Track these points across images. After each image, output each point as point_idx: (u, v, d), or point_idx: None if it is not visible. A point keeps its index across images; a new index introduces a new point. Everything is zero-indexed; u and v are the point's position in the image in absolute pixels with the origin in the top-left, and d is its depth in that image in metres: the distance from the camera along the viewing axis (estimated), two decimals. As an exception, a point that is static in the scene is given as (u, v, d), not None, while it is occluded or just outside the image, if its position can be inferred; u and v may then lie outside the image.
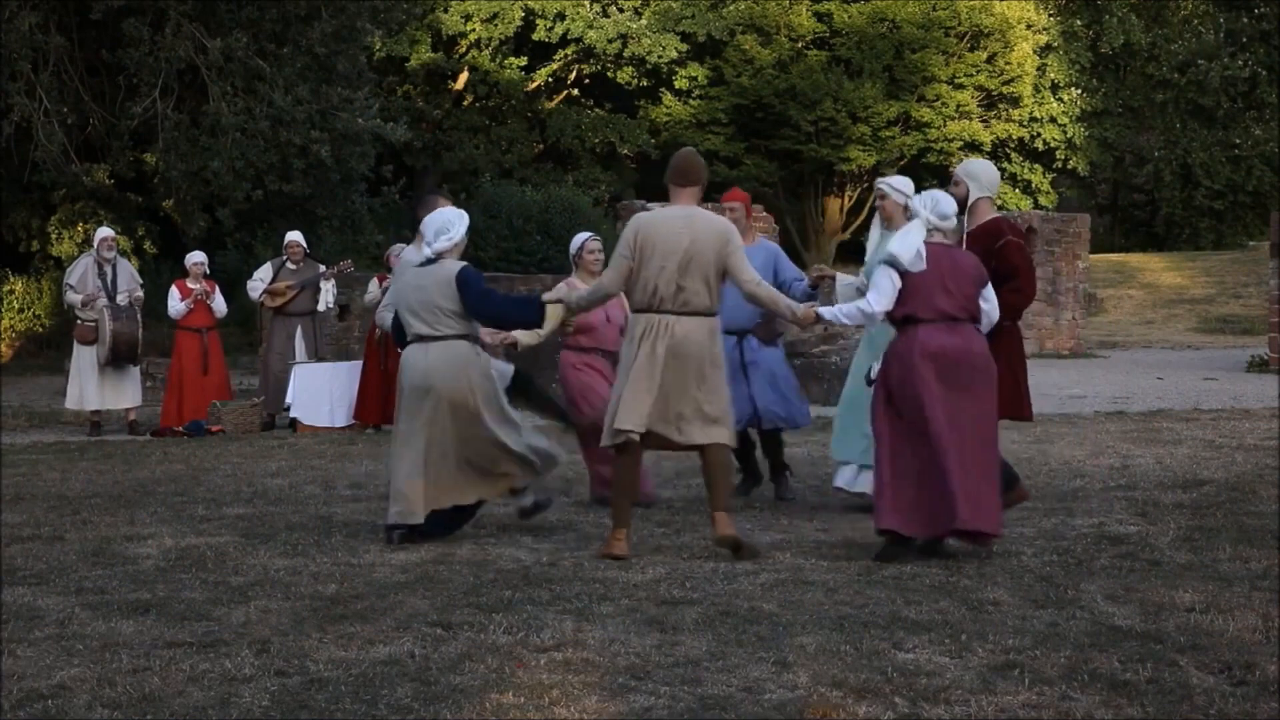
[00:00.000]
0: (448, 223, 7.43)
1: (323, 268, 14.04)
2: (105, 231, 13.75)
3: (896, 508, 6.65)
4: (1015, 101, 40.51)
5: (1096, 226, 35.12)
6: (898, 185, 8.21)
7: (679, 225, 6.86)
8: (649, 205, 23.04)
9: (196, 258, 13.87)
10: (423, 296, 7.28)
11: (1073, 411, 13.80)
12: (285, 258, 13.95)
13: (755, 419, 8.54)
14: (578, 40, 35.68)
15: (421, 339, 7.29)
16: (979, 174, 7.72)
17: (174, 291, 13.70)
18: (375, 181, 25.84)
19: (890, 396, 6.81)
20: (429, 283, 7.29)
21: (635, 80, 37.52)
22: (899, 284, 6.78)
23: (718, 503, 6.85)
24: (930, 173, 42.34)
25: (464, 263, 7.40)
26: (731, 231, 6.99)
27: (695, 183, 7.07)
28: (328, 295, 13.89)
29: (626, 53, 36.15)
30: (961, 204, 7.40)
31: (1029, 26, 40.36)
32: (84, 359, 13.23)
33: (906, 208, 7.94)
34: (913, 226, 6.94)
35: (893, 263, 6.79)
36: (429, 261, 7.38)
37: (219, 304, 13.74)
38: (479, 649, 5.09)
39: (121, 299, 13.20)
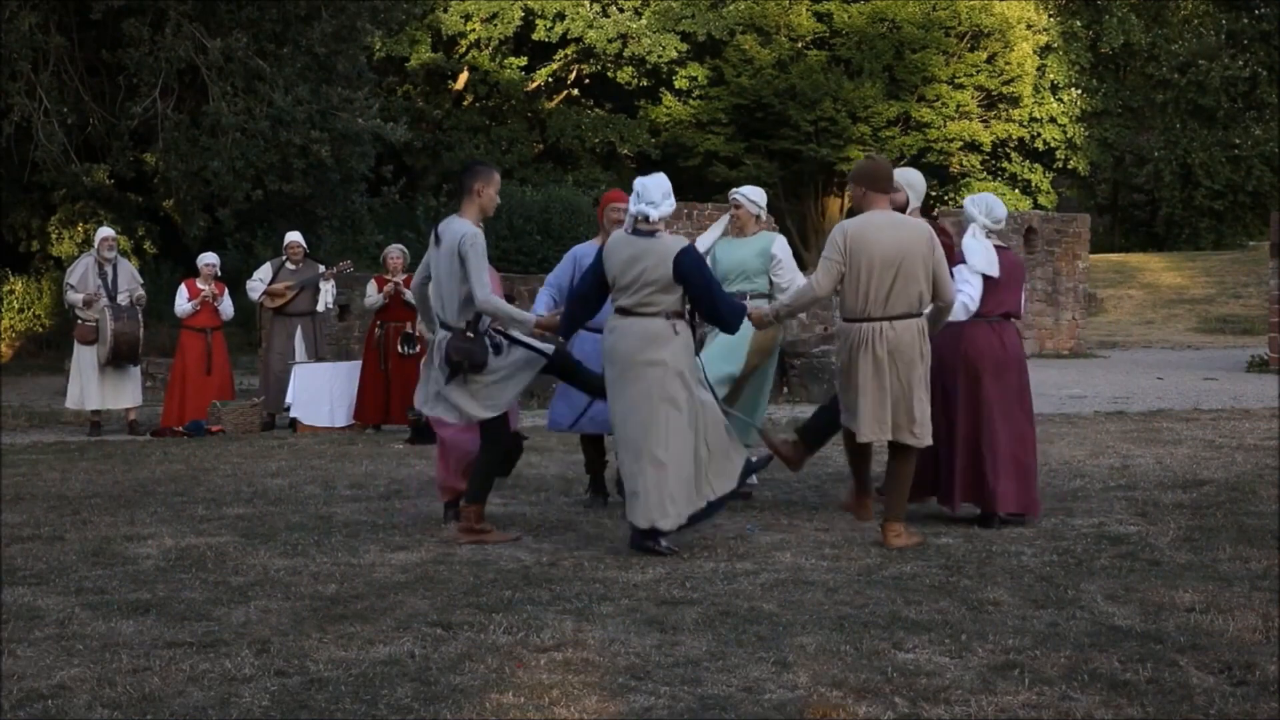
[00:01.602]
0: (670, 188, 7.03)
1: (322, 268, 14.04)
2: (105, 231, 13.74)
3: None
4: (1015, 101, 40.52)
5: (1096, 226, 35.15)
6: (752, 196, 8.47)
7: (887, 231, 7.00)
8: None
9: (209, 259, 13.86)
10: (637, 269, 6.84)
11: (1073, 411, 13.80)
12: (285, 258, 13.95)
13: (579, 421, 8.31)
14: (578, 40, 35.70)
15: (624, 311, 6.93)
16: (915, 183, 8.01)
17: (182, 290, 13.69)
18: (375, 181, 25.84)
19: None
20: (648, 256, 6.84)
21: (635, 80, 37.54)
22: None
23: (897, 510, 7.11)
24: (930, 173, 42.39)
25: (686, 241, 6.96)
26: (933, 236, 7.11)
27: (892, 188, 7.24)
28: (327, 296, 13.89)
29: (626, 53, 36.16)
30: (901, 210, 7.77)
31: (1029, 26, 40.38)
32: (84, 359, 13.23)
33: (758, 218, 8.45)
34: (978, 233, 7.52)
35: (983, 273, 7.42)
36: (644, 232, 6.93)
37: (226, 307, 13.73)
38: (479, 649, 5.09)
39: (122, 299, 13.20)
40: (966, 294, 7.37)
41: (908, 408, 6.98)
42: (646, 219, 6.95)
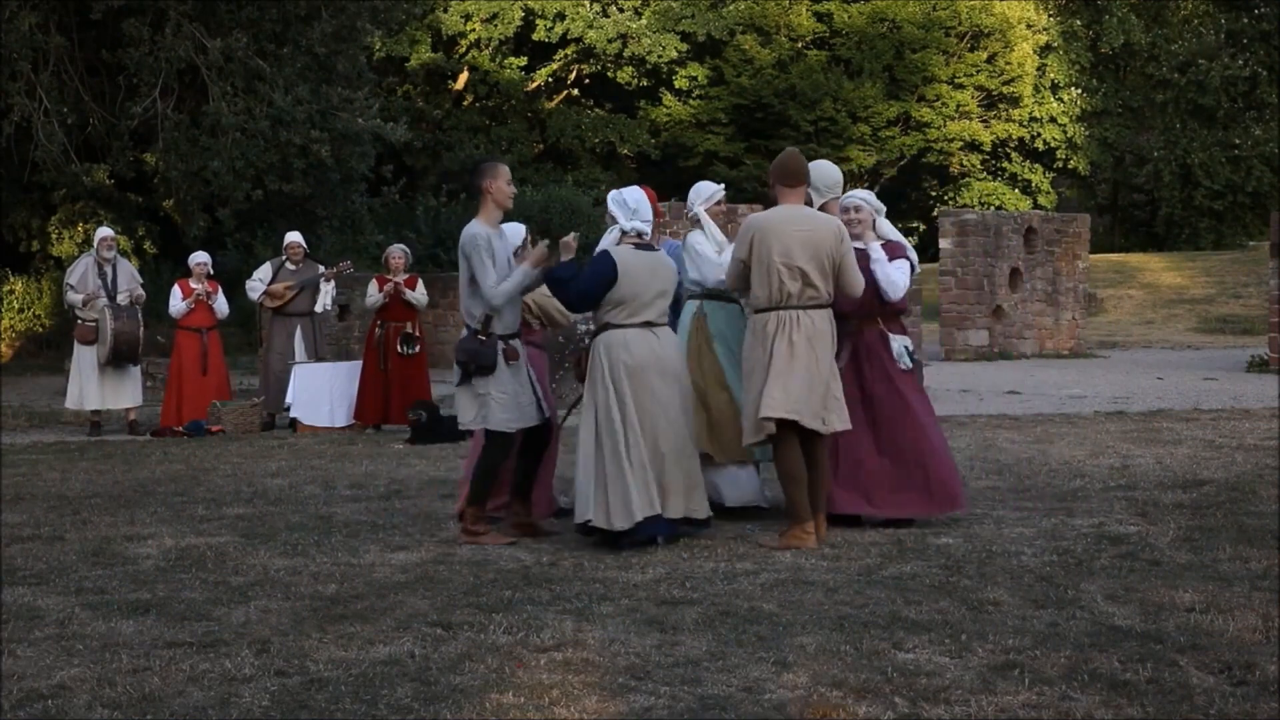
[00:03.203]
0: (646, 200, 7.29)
1: (322, 268, 14.02)
2: (105, 231, 13.74)
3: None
4: (1015, 101, 40.52)
5: (1096, 226, 35.14)
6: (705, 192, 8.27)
7: (798, 224, 7.12)
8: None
9: (200, 258, 13.87)
10: (657, 284, 7.05)
11: (1073, 411, 13.80)
12: (285, 258, 13.94)
13: None
14: (578, 40, 35.71)
15: (650, 325, 7.04)
16: (817, 179, 7.88)
17: (176, 291, 13.70)
18: (375, 181, 25.86)
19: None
20: (661, 270, 7.10)
21: (635, 80, 37.55)
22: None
23: (820, 503, 7.15)
24: (930, 173, 42.38)
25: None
26: (844, 231, 7.25)
27: (805, 183, 7.34)
28: (327, 297, 13.88)
29: (626, 53, 36.17)
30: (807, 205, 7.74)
31: (1029, 26, 40.39)
32: (84, 359, 13.23)
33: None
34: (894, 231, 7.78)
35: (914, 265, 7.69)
36: (647, 246, 7.15)
37: (221, 304, 13.73)
38: (479, 649, 5.09)
39: (122, 299, 13.21)
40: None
41: (833, 394, 7.10)
42: (640, 235, 7.14)
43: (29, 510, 8.55)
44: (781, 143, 37.98)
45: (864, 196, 7.79)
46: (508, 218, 7.60)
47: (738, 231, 7.26)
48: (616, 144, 37.11)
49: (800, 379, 6.96)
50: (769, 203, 7.43)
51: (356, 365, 13.65)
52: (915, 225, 44.43)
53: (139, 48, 19.86)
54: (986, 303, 22.26)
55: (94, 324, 13.15)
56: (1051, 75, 41.26)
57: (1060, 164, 42.01)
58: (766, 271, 7.02)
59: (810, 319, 7.05)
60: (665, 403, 7.00)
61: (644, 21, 35.88)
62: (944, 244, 22.39)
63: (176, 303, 13.57)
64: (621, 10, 36.06)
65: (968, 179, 41.58)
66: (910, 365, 7.52)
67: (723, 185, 8.40)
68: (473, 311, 7.24)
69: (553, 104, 37.96)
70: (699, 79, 38.24)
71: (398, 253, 13.47)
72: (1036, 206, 40.20)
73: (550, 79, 37.39)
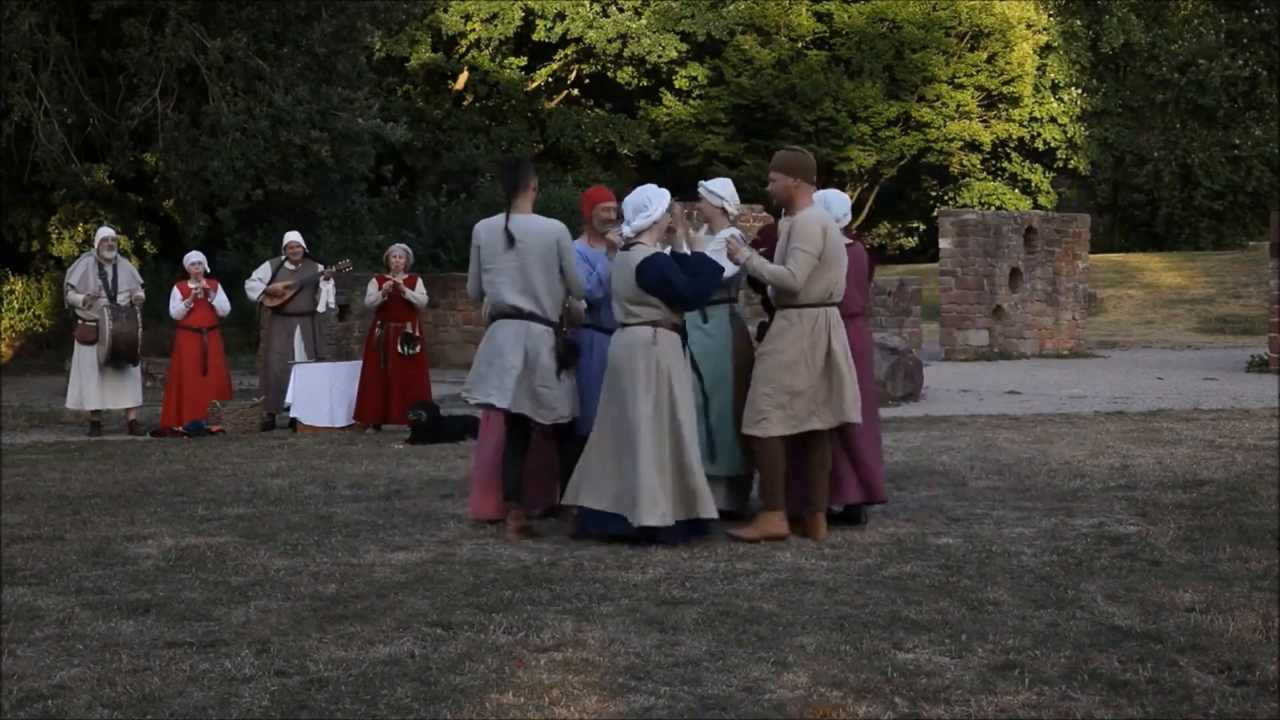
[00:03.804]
0: (647, 199, 7.17)
1: (321, 268, 14.02)
2: (106, 231, 13.75)
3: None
4: (1015, 101, 40.52)
5: (1096, 226, 35.13)
6: (713, 188, 8.13)
7: (836, 224, 7.32)
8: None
9: (194, 258, 13.89)
10: (616, 284, 7.15)
11: (1073, 411, 13.80)
12: (284, 258, 13.94)
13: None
14: (578, 40, 35.72)
15: (620, 324, 7.16)
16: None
17: (175, 292, 13.72)
18: (375, 181, 25.86)
19: None
20: (621, 269, 7.13)
21: (635, 80, 37.56)
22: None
23: (821, 501, 7.22)
24: (930, 173, 42.36)
25: (654, 250, 7.08)
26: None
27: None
28: (327, 296, 13.87)
29: (626, 53, 36.18)
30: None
31: (1029, 26, 40.39)
32: (84, 359, 13.24)
33: (723, 210, 8.09)
34: None
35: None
36: (629, 245, 7.18)
37: (221, 301, 13.73)
38: (479, 649, 5.09)
39: (122, 299, 13.21)
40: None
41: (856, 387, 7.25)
42: (620, 234, 7.25)
43: (29, 510, 8.55)
44: (781, 143, 37.96)
45: (834, 198, 7.78)
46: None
47: (800, 230, 7.09)
48: (616, 144, 37.13)
49: (852, 379, 7.16)
50: (771, 201, 7.44)
51: (356, 365, 13.65)
52: (915, 225, 44.46)
53: (139, 48, 19.87)
54: (986, 303, 22.26)
55: (94, 324, 13.16)
56: (1051, 75, 41.26)
57: (1060, 164, 42.01)
58: (834, 269, 7.13)
59: (839, 316, 7.23)
60: (620, 404, 7.03)
61: (644, 21, 35.89)
62: (944, 244, 22.39)
63: (176, 304, 13.58)
64: (621, 10, 36.06)
65: (968, 179, 41.57)
66: None
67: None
68: (557, 307, 7.41)
69: (553, 104, 37.97)
70: (699, 79, 38.25)
71: (399, 252, 13.47)
72: (1036, 206, 40.21)
73: (550, 79, 37.40)
